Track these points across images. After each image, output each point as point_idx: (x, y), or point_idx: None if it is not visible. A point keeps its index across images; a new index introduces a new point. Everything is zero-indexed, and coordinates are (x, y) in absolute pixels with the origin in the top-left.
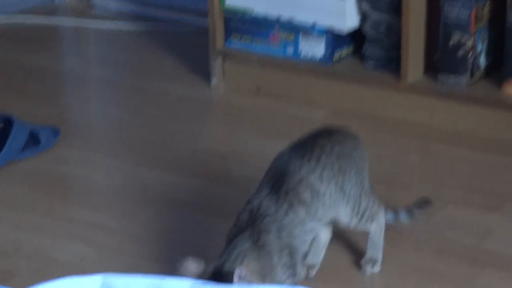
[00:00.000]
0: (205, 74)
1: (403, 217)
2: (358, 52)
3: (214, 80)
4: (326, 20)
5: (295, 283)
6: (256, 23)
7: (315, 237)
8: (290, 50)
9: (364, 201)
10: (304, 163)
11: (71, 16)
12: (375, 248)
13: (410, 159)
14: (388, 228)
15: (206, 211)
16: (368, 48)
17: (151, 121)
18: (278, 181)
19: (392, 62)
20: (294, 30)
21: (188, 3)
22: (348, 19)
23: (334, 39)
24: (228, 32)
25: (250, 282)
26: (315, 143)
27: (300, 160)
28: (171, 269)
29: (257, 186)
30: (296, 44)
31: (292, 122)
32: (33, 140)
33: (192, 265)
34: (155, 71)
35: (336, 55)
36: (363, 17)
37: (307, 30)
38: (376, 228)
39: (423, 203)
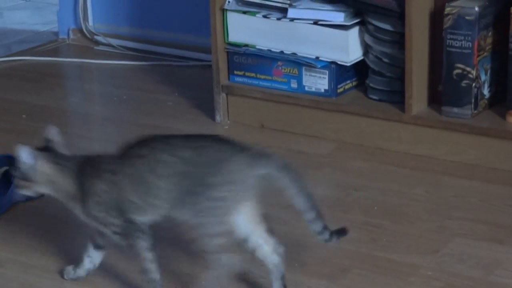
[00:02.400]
0: (209, 109)
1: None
2: (361, 84)
3: (218, 116)
4: (329, 53)
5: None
6: (259, 57)
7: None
8: (294, 84)
9: None
10: None
11: (75, 54)
12: None
13: (416, 191)
14: (397, 262)
15: None
16: (371, 80)
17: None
18: None
19: (396, 94)
20: (298, 64)
21: (191, 39)
22: (351, 52)
23: (338, 72)
24: (232, 67)
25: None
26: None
27: None
28: None
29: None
30: (299, 78)
31: (297, 157)
32: None
33: None
34: (159, 108)
35: (340, 88)
36: (366, 49)
37: (311, 64)
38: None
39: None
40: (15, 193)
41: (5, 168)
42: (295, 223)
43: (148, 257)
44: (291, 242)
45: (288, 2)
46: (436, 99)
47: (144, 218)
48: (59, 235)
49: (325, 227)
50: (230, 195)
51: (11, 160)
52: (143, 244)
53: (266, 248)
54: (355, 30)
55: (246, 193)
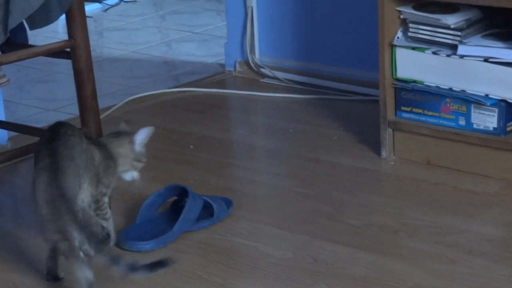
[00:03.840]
0: (375, 145)
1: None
2: None
3: (384, 151)
4: (499, 91)
5: None
6: (427, 94)
7: None
8: (462, 121)
9: None
10: None
11: (241, 86)
12: None
13: None
14: None
15: (378, 286)
16: None
17: (322, 192)
18: None
19: None
20: (466, 101)
21: (357, 73)
22: None
23: (508, 110)
24: (399, 103)
25: None
26: None
27: None
28: None
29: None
30: (468, 115)
31: (464, 196)
32: (207, 211)
33: None
34: (324, 142)
35: (509, 126)
36: None
37: (480, 101)
38: None
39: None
40: (185, 222)
41: (174, 197)
42: None
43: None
44: None
45: (459, 39)
46: None
47: None
48: (227, 267)
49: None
50: None
51: (180, 190)
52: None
53: None
54: None
55: None
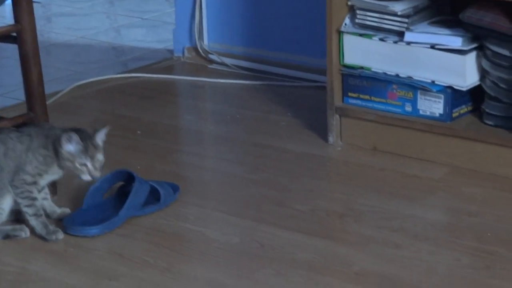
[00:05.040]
0: (322, 130)
1: None
2: (477, 109)
3: (331, 137)
4: (445, 78)
5: None
6: (374, 80)
7: None
8: (408, 107)
9: None
10: None
11: (189, 72)
12: None
13: None
14: None
15: (324, 271)
16: (487, 106)
17: (269, 177)
18: None
19: None
20: (413, 87)
21: (305, 60)
22: (468, 77)
23: (453, 96)
24: (346, 89)
25: None
26: None
27: None
28: None
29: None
30: (414, 101)
31: (409, 181)
32: (153, 196)
33: None
34: (272, 128)
35: (455, 112)
36: (483, 74)
37: (426, 88)
38: None
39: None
40: (131, 207)
41: (121, 183)
42: None
43: None
44: None
45: (405, 25)
46: None
47: None
48: (174, 251)
49: None
50: None
51: (127, 176)
52: None
53: None
54: (473, 55)
55: None
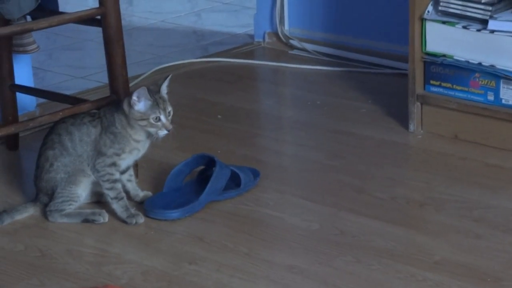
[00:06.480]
0: (403, 118)
1: None
2: None
3: (412, 125)
4: None
5: None
6: (456, 68)
7: None
8: (490, 96)
9: None
10: None
11: (269, 57)
12: None
13: None
14: None
15: (404, 259)
16: None
17: (349, 164)
18: None
19: None
20: (496, 76)
21: (387, 47)
22: None
23: None
24: (428, 77)
25: None
26: None
27: None
28: None
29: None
30: (497, 90)
31: (491, 171)
32: (234, 181)
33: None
34: (352, 114)
35: None
36: None
37: (509, 77)
38: None
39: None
40: (211, 191)
41: (202, 167)
42: None
43: None
44: None
45: (489, 13)
46: None
47: None
48: (253, 237)
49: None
50: None
51: (208, 160)
52: None
53: None
54: None
55: None
